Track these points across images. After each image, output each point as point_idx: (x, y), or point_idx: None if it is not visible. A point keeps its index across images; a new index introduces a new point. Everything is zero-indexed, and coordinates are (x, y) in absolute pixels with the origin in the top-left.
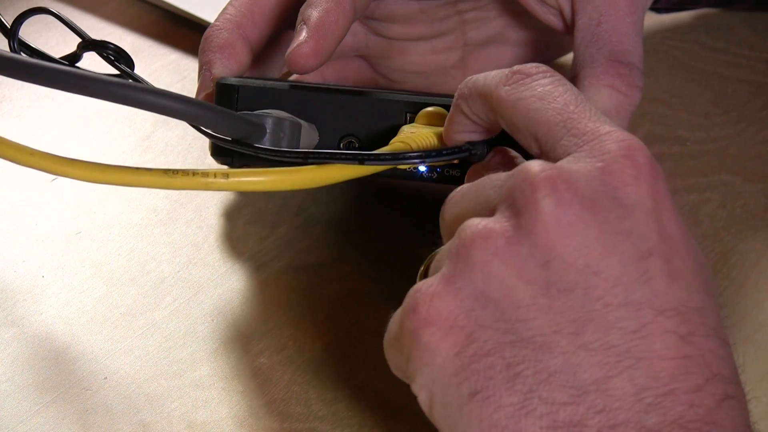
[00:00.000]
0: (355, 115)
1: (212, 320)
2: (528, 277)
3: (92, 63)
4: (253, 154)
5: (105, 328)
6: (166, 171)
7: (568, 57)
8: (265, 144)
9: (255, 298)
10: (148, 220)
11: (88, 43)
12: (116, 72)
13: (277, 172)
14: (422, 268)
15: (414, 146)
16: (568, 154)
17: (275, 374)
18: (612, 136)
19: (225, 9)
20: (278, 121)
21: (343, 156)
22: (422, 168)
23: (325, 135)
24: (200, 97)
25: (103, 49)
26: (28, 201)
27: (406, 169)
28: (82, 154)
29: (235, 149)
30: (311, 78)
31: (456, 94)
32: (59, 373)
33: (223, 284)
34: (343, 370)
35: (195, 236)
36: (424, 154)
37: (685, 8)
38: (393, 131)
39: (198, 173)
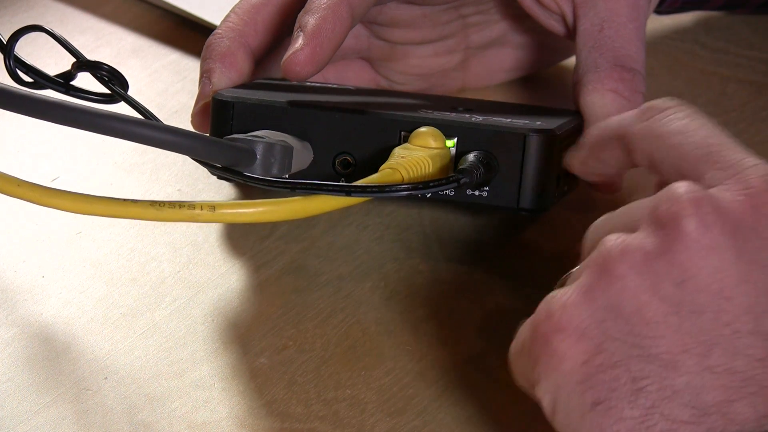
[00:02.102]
0: (350, 133)
1: (212, 320)
2: (661, 294)
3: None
4: (242, 182)
5: (105, 328)
6: (152, 203)
7: (570, 60)
8: (256, 169)
9: (255, 298)
10: None
11: (83, 64)
12: (108, 92)
13: (264, 204)
14: (557, 286)
15: (403, 172)
16: (714, 187)
17: (275, 374)
18: (757, 170)
19: (227, 16)
20: (269, 147)
21: (330, 187)
22: None
23: (319, 152)
24: (199, 106)
25: (97, 69)
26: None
27: None
28: (83, 154)
29: (224, 177)
30: (313, 79)
31: (587, 140)
32: (59, 373)
33: (223, 284)
34: (343, 370)
35: (195, 236)
36: (412, 187)
37: (687, 11)
38: (387, 149)
39: (184, 205)
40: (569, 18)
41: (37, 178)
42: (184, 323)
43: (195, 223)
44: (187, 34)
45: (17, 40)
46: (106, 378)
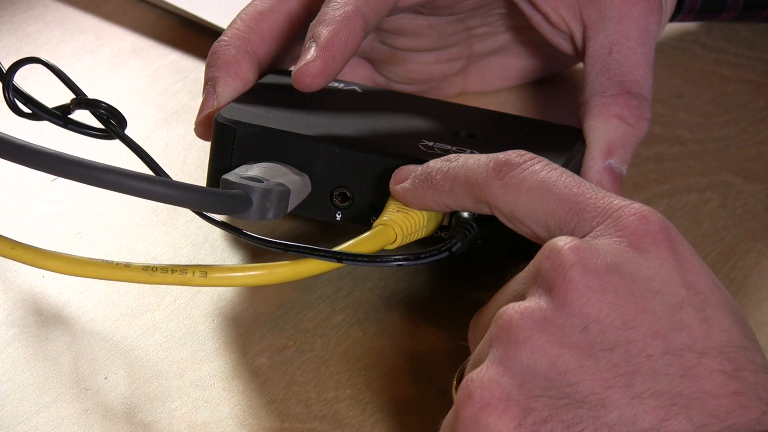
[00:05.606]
0: (348, 168)
1: (212, 320)
2: (569, 343)
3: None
4: (237, 236)
5: (105, 328)
6: (145, 267)
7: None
8: (252, 214)
9: (255, 298)
10: (148, 220)
11: (81, 101)
12: (104, 128)
13: (256, 268)
14: (454, 381)
15: (397, 230)
16: (588, 235)
17: (275, 374)
18: (624, 211)
19: (233, 22)
20: (265, 193)
21: (323, 253)
22: None
23: (318, 183)
24: (202, 116)
25: (96, 107)
26: (28, 201)
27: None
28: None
29: (222, 230)
30: None
31: (425, 178)
32: (59, 373)
33: None
34: (343, 370)
35: (195, 236)
36: (403, 258)
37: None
38: (385, 187)
39: (177, 270)
40: (578, 38)
41: (38, 179)
42: (184, 323)
43: (194, 223)
44: (188, 34)
45: (16, 71)
46: (106, 378)
